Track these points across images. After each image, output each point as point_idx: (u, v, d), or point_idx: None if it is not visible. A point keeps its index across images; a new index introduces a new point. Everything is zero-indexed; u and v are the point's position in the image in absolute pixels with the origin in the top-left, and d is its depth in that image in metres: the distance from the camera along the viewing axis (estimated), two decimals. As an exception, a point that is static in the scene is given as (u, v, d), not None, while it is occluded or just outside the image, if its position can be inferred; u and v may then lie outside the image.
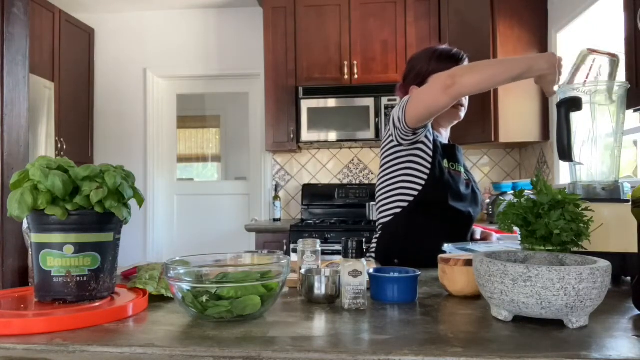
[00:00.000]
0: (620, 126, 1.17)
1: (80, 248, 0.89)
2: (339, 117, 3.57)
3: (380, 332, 0.75)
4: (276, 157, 4.12)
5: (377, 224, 1.63)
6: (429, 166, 1.52)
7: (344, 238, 0.94)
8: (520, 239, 1.01)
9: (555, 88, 1.27)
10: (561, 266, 0.75)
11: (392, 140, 1.56)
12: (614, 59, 1.18)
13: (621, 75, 1.53)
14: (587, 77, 1.17)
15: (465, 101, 1.63)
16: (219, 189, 4.38)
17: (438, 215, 1.51)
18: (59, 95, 3.74)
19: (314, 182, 4.05)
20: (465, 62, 1.62)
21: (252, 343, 0.70)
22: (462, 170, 1.60)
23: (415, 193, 1.52)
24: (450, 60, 1.60)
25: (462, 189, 1.56)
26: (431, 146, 1.54)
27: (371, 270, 1.02)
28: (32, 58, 3.12)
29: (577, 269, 0.74)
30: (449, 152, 1.59)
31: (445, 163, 1.55)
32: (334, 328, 0.79)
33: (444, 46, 1.67)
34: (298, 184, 4.08)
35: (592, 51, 1.19)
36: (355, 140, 3.61)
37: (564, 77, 1.23)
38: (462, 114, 1.64)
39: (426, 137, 1.54)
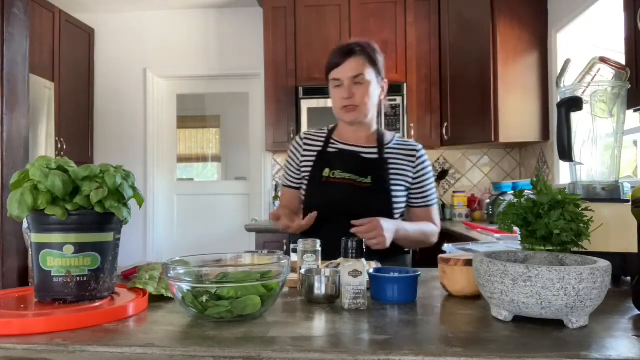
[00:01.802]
0: (620, 126, 1.17)
1: (80, 248, 0.89)
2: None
3: (380, 332, 0.75)
4: (276, 157, 4.12)
5: None
6: (307, 176, 1.64)
7: (344, 238, 0.94)
8: (520, 239, 1.01)
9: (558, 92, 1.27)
10: (561, 266, 0.75)
11: None
12: (621, 71, 1.16)
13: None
14: (588, 85, 1.16)
15: (357, 101, 1.56)
16: (219, 189, 4.38)
17: (320, 218, 1.49)
18: (59, 95, 3.74)
19: (314, 182, 4.05)
20: (355, 55, 1.55)
21: (252, 343, 0.70)
22: (353, 176, 1.56)
23: (305, 201, 1.67)
24: (338, 54, 1.57)
25: (340, 193, 1.55)
26: (313, 159, 1.64)
27: (371, 270, 1.02)
28: (32, 58, 3.12)
29: (577, 269, 0.74)
30: (338, 160, 1.60)
31: (326, 172, 1.58)
32: (334, 328, 0.79)
33: (351, 40, 1.61)
34: (298, 184, 4.08)
35: (603, 60, 1.17)
36: (355, 140, 3.61)
37: (571, 80, 1.23)
38: (354, 114, 1.58)
39: (308, 152, 1.66)
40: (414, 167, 1.64)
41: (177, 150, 4.48)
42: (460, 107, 3.45)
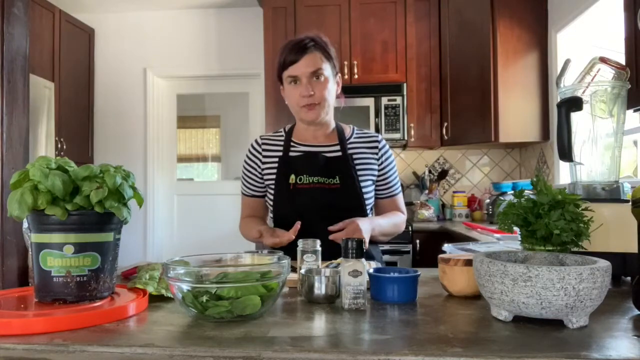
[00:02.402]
0: (620, 126, 1.17)
1: (80, 248, 0.89)
2: (339, 117, 3.56)
3: (380, 332, 0.75)
4: (276, 157, 4.11)
5: None
6: (273, 186, 1.57)
7: (344, 238, 0.94)
8: (520, 239, 1.01)
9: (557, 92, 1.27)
10: (561, 266, 0.75)
11: None
12: (621, 71, 1.16)
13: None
14: (588, 85, 1.16)
15: (317, 98, 1.50)
16: (219, 189, 4.38)
17: (292, 226, 1.44)
18: (59, 95, 3.74)
19: (314, 182, 4.05)
20: (310, 51, 1.49)
21: (252, 343, 0.70)
22: (321, 179, 1.52)
23: (272, 210, 1.63)
24: (292, 51, 1.49)
25: (310, 199, 1.51)
26: (275, 165, 1.57)
27: (371, 270, 1.02)
28: (32, 58, 3.12)
29: (577, 269, 0.74)
30: (302, 164, 1.54)
31: (292, 178, 1.53)
32: (334, 328, 0.79)
33: (301, 35, 1.55)
34: (298, 184, 4.08)
35: (603, 60, 1.17)
36: (355, 140, 3.61)
37: (571, 80, 1.23)
38: (315, 113, 1.51)
39: (268, 157, 1.60)
40: (378, 159, 1.60)
41: (177, 150, 4.48)
42: (460, 107, 3.45)
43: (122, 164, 1.00)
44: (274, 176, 1.57)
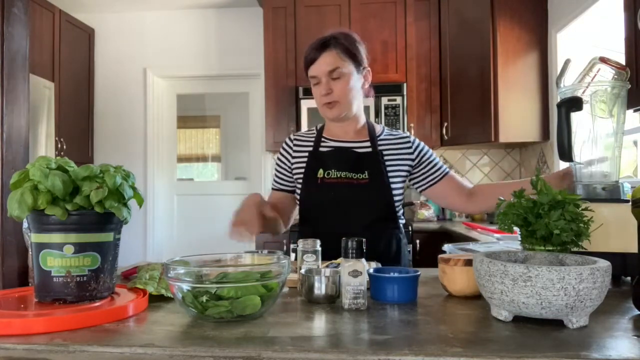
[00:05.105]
0: (620, 126, 1.17)
1: (80, 248, 0.89)
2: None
3: (380, 332, 0.75)
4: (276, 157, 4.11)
5: None
6: (300, 180, 1.58)
7: (344, 238, 0.94)
8: (520, 239, 1.01)
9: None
10: (561, 266, 0.75)
11: None
12: (621, 71, 1.16)
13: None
14: (588, 85, 1.16)
15: (336, 96, 1.50)
16: (219, 189, 4.38)
17: (319, 221, 1.46)
18: (59, 95, 3.74)
19: (314, 182, 4.05)
20: (329, 48, 1.51)
21: (252, 343, 0.70)
22: (349, 174, 1.52)
23: (300, 204, 1.62)
24: (317, 49, 1.53)
25: (337, 194, 1.50)
26: (304, 159, 1.58)
27: (371, 270, 1.02)
28: (32, 58, 3.12)
29: (577, 269, 0.74)
30: (331, 158, 1.55)
31: (320, 172, 1.53)
32: (334, 328, 0.79)
33: (328, 32, 1.57)
34: (298, 184, 4.08)
35: (603, 60, 1.17)
36: (355, 140, 3.61)
37: (571, 80, 1.22)
38: (335, 110, 1.51)
39: (298, 152, 1.61)
40: (412, 154, 1.59)
41: (177, 150, 4.48)
42: (460, 107, 3.45)
43: (122, 164, 1.00)
44: (302, 170, 1.58)
